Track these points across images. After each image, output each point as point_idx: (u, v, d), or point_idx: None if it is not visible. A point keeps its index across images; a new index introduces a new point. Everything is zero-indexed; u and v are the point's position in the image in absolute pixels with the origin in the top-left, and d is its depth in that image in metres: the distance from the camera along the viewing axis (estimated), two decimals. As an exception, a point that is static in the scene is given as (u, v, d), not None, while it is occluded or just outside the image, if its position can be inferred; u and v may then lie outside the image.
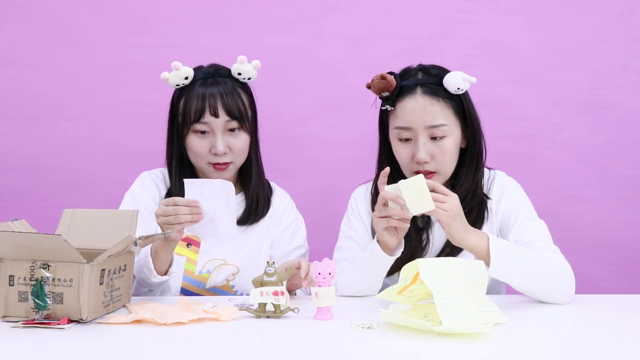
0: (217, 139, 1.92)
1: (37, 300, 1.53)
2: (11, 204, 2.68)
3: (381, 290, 1.73)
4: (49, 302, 1.53)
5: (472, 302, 1.48)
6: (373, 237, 1.83)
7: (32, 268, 1.54)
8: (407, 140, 1.83)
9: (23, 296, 1.55)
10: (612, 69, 2.67)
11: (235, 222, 1.78)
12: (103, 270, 1.57)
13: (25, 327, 1.51)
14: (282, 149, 2.67)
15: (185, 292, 1.98)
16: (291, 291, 1.83)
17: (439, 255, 1.88)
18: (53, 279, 1.53)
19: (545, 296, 1.71)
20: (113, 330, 1.51)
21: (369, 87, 1.85)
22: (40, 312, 1.53)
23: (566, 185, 2.69)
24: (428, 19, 2.68)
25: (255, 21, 2.69)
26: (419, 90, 1.82)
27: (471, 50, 2.67)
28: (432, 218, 1.90)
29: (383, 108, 1.87)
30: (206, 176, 1.99)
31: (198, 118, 1.92)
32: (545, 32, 2.68)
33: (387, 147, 1.92)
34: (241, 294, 1.97)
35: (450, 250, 1.86)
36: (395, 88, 1.82)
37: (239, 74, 1.96)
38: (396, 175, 1.90)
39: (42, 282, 1.53)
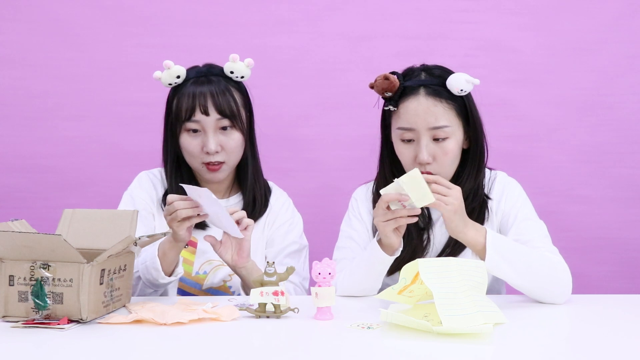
0: (208, 137, 1.92)
1: (37, 300, 1.53)
2: (11, 204, 2.68)
3: (381, 290, 1.74)
4: (49, 302, 1.53)
5: (472, 302, 1.48)
6: (374, 237, 1.83)
7: (32, 268, 1.54)
8: (409, 141, 1.83)
9: (23, 296, 1.55)
10: (612, 69, 2.67)
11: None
12: (103, 270, 1.57)
13: (25, 327, 1.51)
14: (282, 149, 2.67)
15: (181, 293, 1.98)
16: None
17: (440, 255, 1.88)
18: (53, 279, 1.53)
19: (542, 295, 1.71)
20: (113, 330, 1.50)
21: (371, 87, 1.85)
22: (40, 312, 1.53)
23: (566, 185, 2.69)
24: (428, 19, 2.68)
25: (255, 21, 2.69)
26: (422, 91, 1.82)
27: (471, 50, 2.67)
28: (433, 218, 1.90)
29: (386, 108, 1.87)
30: (201, 177, 2.00)
31: (189, 116, 1.92)
32: (545, 32, 2.68)
33: (389, 147, 1.92)
34: (239, 294, 1.97)
35: (451, 250, 1.86)
36: (398, 88, 1.82)
37: (232, 72, 1.96)
38: (398, 175, 1.90)
39: (42, 282, 1.53)
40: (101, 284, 1.57)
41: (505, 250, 1.69)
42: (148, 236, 1.70)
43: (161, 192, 2.03)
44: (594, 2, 2.66)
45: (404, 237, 1.79)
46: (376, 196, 1.93)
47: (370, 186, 2.01)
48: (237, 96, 1.96)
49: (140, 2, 2.69)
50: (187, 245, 1.98)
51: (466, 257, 1.84)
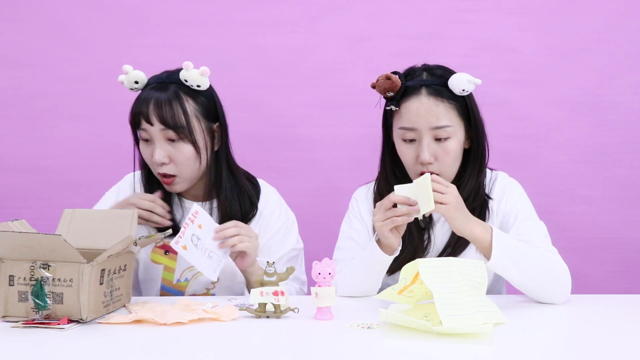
0: (155, 147, 1.86)
1: (37, 300, 1.53)
2: (11, 204, 2.68)
3: (381, 290, 1.74)
4: (49, 302, 1.53)
5: (472, 302, 1.48)
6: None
7: (32, 268, 1.54)
8: (411, 140, 1.83)
9: (23, 296, 1.55)
10: (612, 69, 2.67)
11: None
12: (103, 270, 1.57)
13: (25, 327, 1.51)
14: (282, 149, 2.67)
15: None
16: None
17: (441, 255, 1.88)
18: (53, 279, 1.53)
19: (541, 294, 1.71)
20: (113, 330, 1.51)
21: (373, 87, 1.85)
22: (40, 312, 1.53)
23: (566, 185, 2.69)
24: (428, 19, 2.68)
25: (254, 21, 2.69)
26: (423, 91, 1.82)
27: (471, 50, 2.67)
28: (434, 217, 1.90)
29: (387, 108, 1.87)
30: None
31: (138, 124, 1.87)
32: (545, 32, 2.68)
33: (391, 147, 1.91)
34: None
35: (451, 250, 1.86)
36: (400, 88, 1.82)
37: (186, 80, 1.85)
38: (399, 175, 1.90)
39: (42, 282, 1.53)
40: (101, 284, 1.57)
41: (511, 249, 1.69)
42: (147, 236, 1.70)
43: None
44: (594, 2, 2.66)
45: (404, 237, 1.79)
46: (377, 196, 1.93)
47: (370, 186, 2.01)
48: (191, 106, 1.86)
49: (140, 2, 2.69)
50: (168, 252, 1.94)
51: (467, 257, 1.84)
